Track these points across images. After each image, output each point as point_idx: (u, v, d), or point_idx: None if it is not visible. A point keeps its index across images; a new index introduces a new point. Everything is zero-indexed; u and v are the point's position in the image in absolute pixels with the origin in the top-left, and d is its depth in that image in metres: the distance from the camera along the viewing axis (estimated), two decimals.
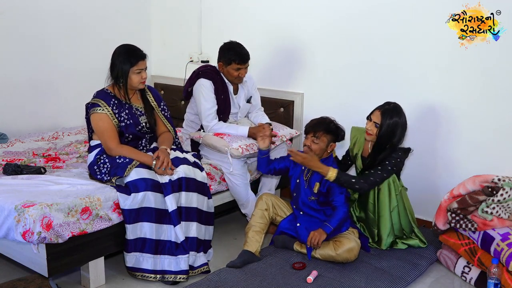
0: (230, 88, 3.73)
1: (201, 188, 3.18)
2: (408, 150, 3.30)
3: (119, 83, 3.14)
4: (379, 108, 3.25)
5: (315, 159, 3.17)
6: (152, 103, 3.32)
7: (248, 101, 3.86)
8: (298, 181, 3.32)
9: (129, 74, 3.10)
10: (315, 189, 3.22)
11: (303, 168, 3.31)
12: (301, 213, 3.29)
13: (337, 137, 3.27)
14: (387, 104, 3.25)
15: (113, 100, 3.14)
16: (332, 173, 3.11)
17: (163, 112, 3.37)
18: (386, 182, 3.20)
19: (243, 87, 3.81)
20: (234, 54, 3.58)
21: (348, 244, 3.07)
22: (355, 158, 3.42)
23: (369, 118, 3.27)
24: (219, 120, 3.66)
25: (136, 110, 3.23)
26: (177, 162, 3.13)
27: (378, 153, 3.23)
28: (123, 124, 3.15)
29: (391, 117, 3.17)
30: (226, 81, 3.70)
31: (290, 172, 3.37)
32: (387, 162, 3.16)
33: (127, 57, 3.09)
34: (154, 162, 3.04)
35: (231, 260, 3.10)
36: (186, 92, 3.78)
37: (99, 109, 3.08)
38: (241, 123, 3.76)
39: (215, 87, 3.63)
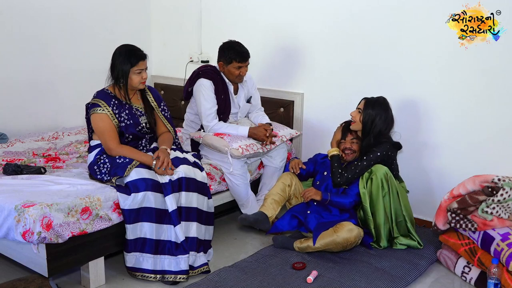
0: (231, 88, 3.73)
1: (201, 188, 3.18)
2: (397, 145, 3.37)
3: (119, 84, 3.14)
4: (365, 97, 3.39)
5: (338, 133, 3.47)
6: (152, 103, 3.32)
7: (248, 101, 3.86)
8: (325, 173, 3.46)
9: (129, 75, 3.11)
10: None
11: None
12: (314, 203, 3.37)
13: None
14: (376, 96, 3.38)
15: (113, 100, 3.14)
16: (332, 151, 3.39)
17: (163, 112, 3.37)
18: (377, 176, 3.20)
19: (243, 87, 3.81)
20: (234, 53, 3.58)
21: (349, 225, 3.15)
22: None
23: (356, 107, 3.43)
24: (219, 120, 3.66)
25: (136, 110, 3.23)
26: (177, 162, 3.13)
27: (363, 141, 3.36)
28: (123, 124, 3.15)
29: (373, 107, 3.31)
30: (227, 81, 3.70)
31: (316, 168, 3.57)
32: (366, 156, 3.27)
33: (127, 58, 3.09)
34: (154, 162, 3.04)
35: (245, 214, 3.35)
36: (186, 92, 3.78)
37: (99, 109, 3.08)
38: (241, 123, 3.76)
39: (215, 87, 3.63)
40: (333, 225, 3.20)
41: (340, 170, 3.31)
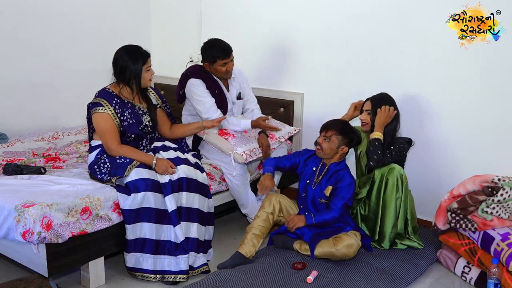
0: (222, 85, 3.73)
1: (202, 189, 3.18)
2: (410, 142, 3.36)
3: (132, 85, 3.14)
4: (368, 98, 3.40)
5: (382, 121, 3.28)
6: (157, 100, 3.37)
7: (239, 97, 3.83)
8: (308, 181, 3.30)
9: (141, 73, 3.13)
10: (327, 193, 3.21)
11: (314, 168, 3.30)
12: (306, 213, 3.25)
13: (350, 140, 3.23)
14: (377, 94, 3.39)
15: (115, 99, 3.14)
16: (377, 135, 3.24)
17: (166, 109, 3.44)
18: (394, 174, 3.20)
19: (233, 84, 3.79)
20: (216, 51, 3.56)
21: (348, 240, 3.08)
22: (359, 157, 3.46)
23: (361, 111, 3.43)
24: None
25: (139, 109, 3.24)
26: (178, 162, 3.13)
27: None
28: (126, 123, 3.15)
29: (380, 104, 3.30)
30: (217, 79, 3.69)
31: (298, 169, 3.36)
32: (392, 148, 3.25)
33: (137, 57, 3.11)
34: (154, 162, 3.05)
35: (222, 262, 3.11)
36: (178, 95, 3.75)
37: (101, 109, 3.08)
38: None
39: (206, 85, 3.62)
40: (329, 235, 3.14)
41: (379, 152, 3.18)
